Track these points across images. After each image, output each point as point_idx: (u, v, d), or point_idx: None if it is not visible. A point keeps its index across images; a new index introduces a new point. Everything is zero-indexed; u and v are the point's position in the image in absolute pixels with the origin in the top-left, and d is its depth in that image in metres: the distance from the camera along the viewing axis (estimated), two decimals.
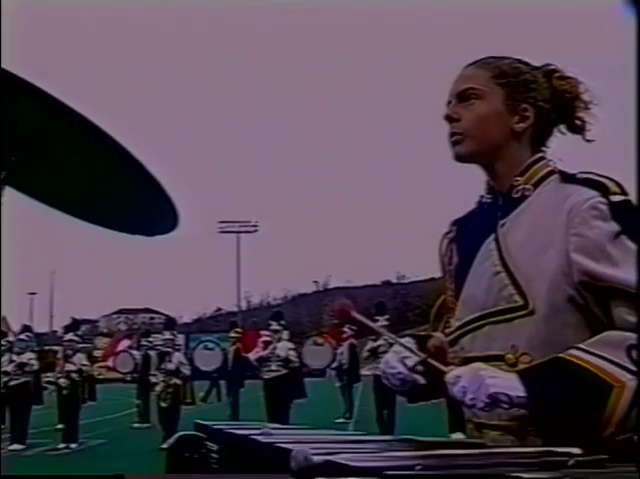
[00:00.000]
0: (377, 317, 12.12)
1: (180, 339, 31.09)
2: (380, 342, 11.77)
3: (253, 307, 73.73)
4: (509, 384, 1.45)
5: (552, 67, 1.74)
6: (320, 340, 17.65)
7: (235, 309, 60.32)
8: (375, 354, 11.91)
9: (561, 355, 1.45)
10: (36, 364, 12.86)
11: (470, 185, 1.86)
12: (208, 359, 17.36)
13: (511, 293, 1.57)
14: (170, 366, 11.95)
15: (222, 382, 18.47)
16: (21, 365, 12.41)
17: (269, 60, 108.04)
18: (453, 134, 1.69)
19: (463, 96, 1.69)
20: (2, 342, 14.36)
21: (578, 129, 1.72)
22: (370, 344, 12.32)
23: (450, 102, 1.72)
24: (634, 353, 1.39)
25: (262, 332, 12.56)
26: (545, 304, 1.53)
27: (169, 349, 12.40)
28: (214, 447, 1.86)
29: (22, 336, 13.32)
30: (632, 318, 1.44)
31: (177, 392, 11.62)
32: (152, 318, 62.57)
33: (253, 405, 12.98)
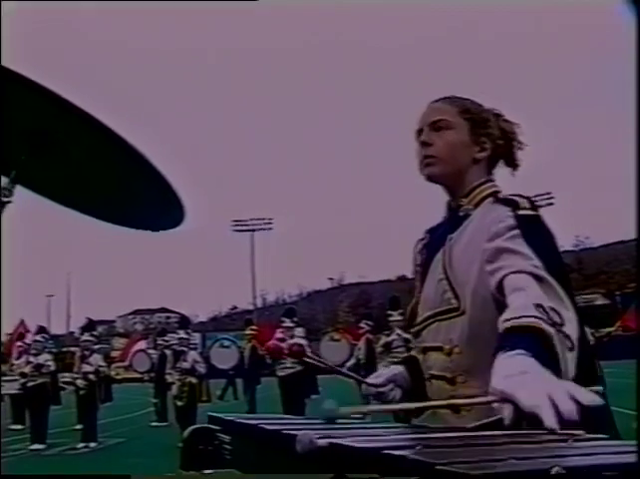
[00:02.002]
0: (390, 312, 12.18)
1: (197, 338, 31.24)
2: (393, 337, 11.81)
3: (269, 305, 73.77)
4: None
5: (498, 111, 2.03)
6: (337, 336, 17.67)
7: (251, 307, 60.50)
8: (388, 349, 11.95)
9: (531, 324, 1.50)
10: (53, 365, 12.97)
11: None
12: (224, 357, 17.44)
13: (449, 297, 1.84)
14: (186, 365, 12.01)
15: (239, 380, 18.55)
16: (38, 366, 12.53)
17: (286, 57, 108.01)
18: (426, 157, 1.94)
19: (435, 126, 1.94)
20: (19, 344, 14.52)
21: (513, 164, 2.01)
22: (384, 339, 12.37)
23: (421, 130, 1.97)
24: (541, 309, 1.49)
25: (278, 329, 12.61)
26: (470, 306, 1.78)
27: (184, 348, 12.47)
28: (227, 439, 1.89)
29: (38, 338, 13.42)
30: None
31: (193, 391, 11.67)
32: (167, 318, 62.77)
33: (270, 402, 13.01)
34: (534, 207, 1.78)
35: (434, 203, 2.09)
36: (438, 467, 0.70)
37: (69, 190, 1.09)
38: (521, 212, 1.75)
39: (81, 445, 11.61)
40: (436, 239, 2.00)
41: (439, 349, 1.88)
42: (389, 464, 0.82)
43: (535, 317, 1.47)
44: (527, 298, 1.54)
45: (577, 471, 0.67)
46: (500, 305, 1.64)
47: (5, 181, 1.20)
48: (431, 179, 1.95)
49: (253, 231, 58.16)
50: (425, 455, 0.78)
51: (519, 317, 1.48)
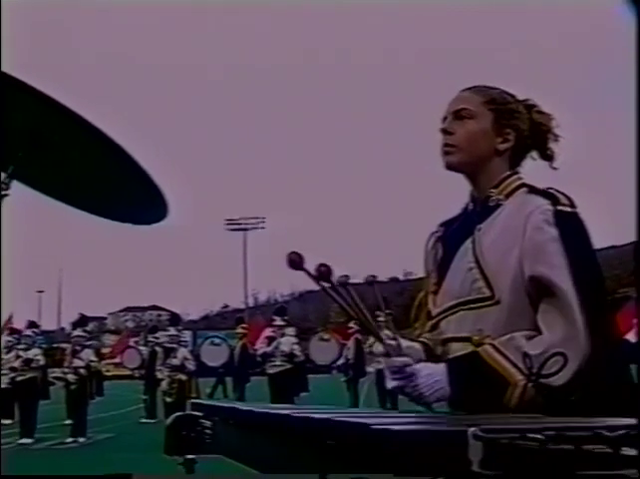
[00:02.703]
0: (378, 313, 12.28)
1: (188, 336, 31.28)
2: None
3: (260, 304, 73.83)
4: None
5: (532, 102, 2.02)
6: (326, 336, 17.73)
7: (243, 306, 60.55)
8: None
9: (478, 350, 1.75)
10: (42, 360, 13.02)
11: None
12: (215, 355, 17.50)
13: (481, 286, 1.83)
14: (175, 362, 12.11)
15: (229, 379, 18.61)
16: (27, 361, 12.58)
17: (278, 56, 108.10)
18: (446, 144, 1.95)
19: (458, 114, 1.95)
20: (9, 339, 14.55)
21: (548, 157, 2.00)
22: (372, 339, 12.47)
23: (445, 118, 1.98)
24: (526, 359, 1.65)
25: (268, 327, 12.71)
26: (508, 296, 1.78)
27: (175, 345, 12.55)
28: (208, 424, 1.99)
29: (27, 332, 13.47)
30: (541, 320, 1.73)
31: (183, 388, 11.76)
32: (159, 315, 62.71)
33: (259, 401, 13.10)
34: (573, 203, 1.80)
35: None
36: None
37: (59, 184, 1.19)
38: (560, 207, 1.78)
39: (69, 440, 11.65)
40: (455, 231, 2.00)
41: (465, 340, 1.86)
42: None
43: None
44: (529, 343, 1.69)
45: (494, 431, 0.77)
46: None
47: (3, 175, 1.29)
48: (450, 167, 1.96)
49: (246, 229, 58.27)
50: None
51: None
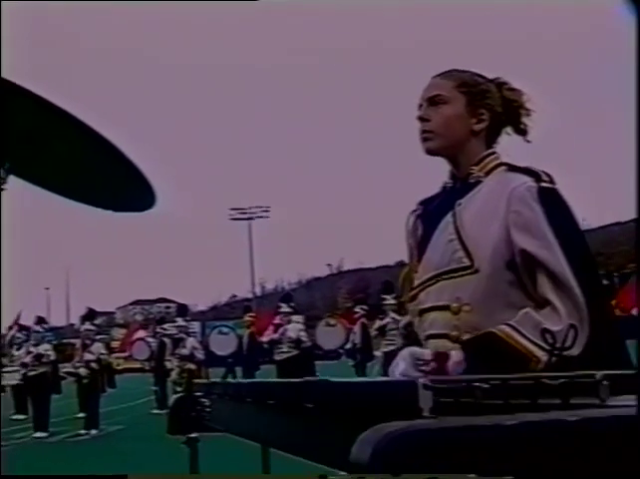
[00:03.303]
0: (384, 296, 12.38)
1: (196, 327, 31.40)
2: (387, 320, 12.01)
3: (268, 293, 73.94)
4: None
5: (502, 80, 2.09)
6: (332, 321, 17.83)
7: (250, 296, 60.73)
8: (383, 332, 12.16)
9: (494, 330, 1.79)
10: (53, 355, 13.15)
11: None
12: (223, 344, 17.61)
13: (461, 256, 1.91)
14: (184, 351, 12.26)
15: (239, 367, 18.73)
16: (38, 356, 12.70)
17: (284, 51, 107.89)
18: (424, 131, 2.03)
19: (432, 101, 2.03)
20: (19, 336, 14.69)
21: (522, 131, 2.07)
22: (378, 323, 12.57)
23: (421, 105, 2.05)
24: (546, 335, 1.73)
25: (276, 315, 12.80)
26: (487, 265, 1.86)
27: (183, 335, 12.68)
28: (207, 402, 2.09)
29: (37, 328, 13.60)
30: (551, 294, 1.79)
31: (192, 377, 11.84)
32: (167, 308, 62.88)
33: None
34: (552, 180, 1.88)
35: (431, 188, 2.19)
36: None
37: (52, 177, 1.28)
38: (543, 184, 1.86)
39: (83, 432, 11.78)
40: (435, 208, 2.07)
41: (444, 308, 1.93)
42: None
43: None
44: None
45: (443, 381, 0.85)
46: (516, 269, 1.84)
47: (1, 171, 1.38)
48: (429, 152, 2.03)
49: (251, 219, 58.38)
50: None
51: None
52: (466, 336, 1.86)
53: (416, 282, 2.07)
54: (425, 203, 2.17)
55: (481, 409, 0.85)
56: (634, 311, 17.97)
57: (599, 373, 0.94)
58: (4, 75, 1.36)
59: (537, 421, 0.76)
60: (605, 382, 0.92)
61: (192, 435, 2.32)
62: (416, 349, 1.84)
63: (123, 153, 1.27)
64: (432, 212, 2.09)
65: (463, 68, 2.10)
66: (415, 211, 2.18)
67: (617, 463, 0.82)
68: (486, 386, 0.84)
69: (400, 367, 1.82)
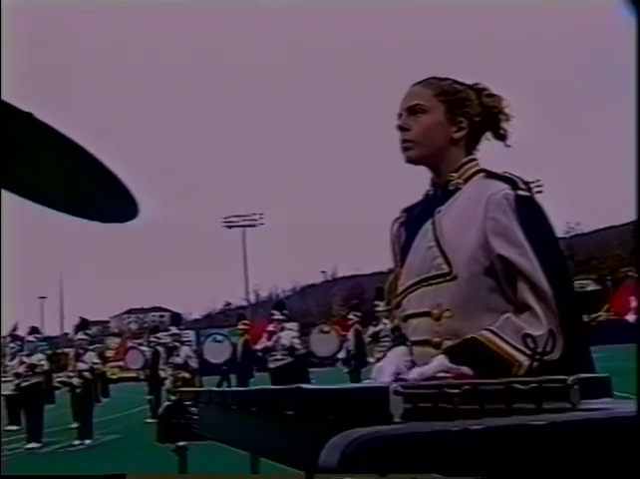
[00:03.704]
0: (377, 302, 12.41)
1: (191, 336, 31.37)
2: (380, 327, 12.03)
3: (262, 300, 73.81)
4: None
5: (482, 86, 2.11)
6: (326, 328, 17.83)
7: (244, 303, 60.67)
8: (377, 339, 12.18)
9: (476, 336, 1.82)
10: (46, 365, 13.12)
11: None
12: (217, 352, 17.61)
13: (440, 263, 1.93)
14: (178, 360, 12.25)
15: (233, 375, 18.72)
16: (31, 366, 12.68)
17: (274, 54, 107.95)
18: (404, 141, 2.04)
19: (411, 110, 2.04)
20: (12, 346, 14.65)
21: (501, 136, 2.09)
22: (371, 329, 12.59)
23: (400, 114, 2.06)
24: (528, 340, 1.72)
25: (270, 323, 12.80)
26: (465, 271, 1.89)
27: (177, 344, 12.67)
28: (196, 411, 2.10)
29: (30, 338, 13.56)
30: (531, 299, 1.82)
31: (186, 386, 11.86)
32: (161, 316, 62.75)
33: None
34: (529, 188, 1.91)
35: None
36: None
37: (37, 188, 1.31)
38: (520, 192, 1.88)
39: (77, 442, 11.76)
40: (417, 215, 2.09)
41: (425, 315, 1.95)
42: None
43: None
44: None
45: (414, 387, 0.87)
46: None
47: None
48: (410, 161, 2.05)
49: (244, 226, 58.37)
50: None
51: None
52: (447, 342, 1.88)
53: (399, 289, 2.10)
54: (408, 210, 2.19)
55: (456, 415, 0.86)
56: (628, 316, 18.01)
57: (570, 378, 0.96)
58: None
59: (504, 426, 0.78)
60: (576, 387, 0.94)
61: (181, 443, 2.35)
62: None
63: (104, 164, 1.29)
64: (414, 219, 2.12)
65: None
66: (398, 218, 2.21)
67: (586, 465, 0.84)
68: (460, 391, 0.85)
69: (389, 368, 1.95)
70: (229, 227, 58.89)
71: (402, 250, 2.13)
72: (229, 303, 78.53)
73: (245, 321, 17.97)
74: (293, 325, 12.89)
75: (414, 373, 1.76)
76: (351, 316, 15.92)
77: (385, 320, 12.00)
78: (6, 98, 1.31)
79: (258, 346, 13.25)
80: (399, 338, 2.15)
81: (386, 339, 11.71)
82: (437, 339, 1.92)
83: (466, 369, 1.71)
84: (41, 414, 12.49)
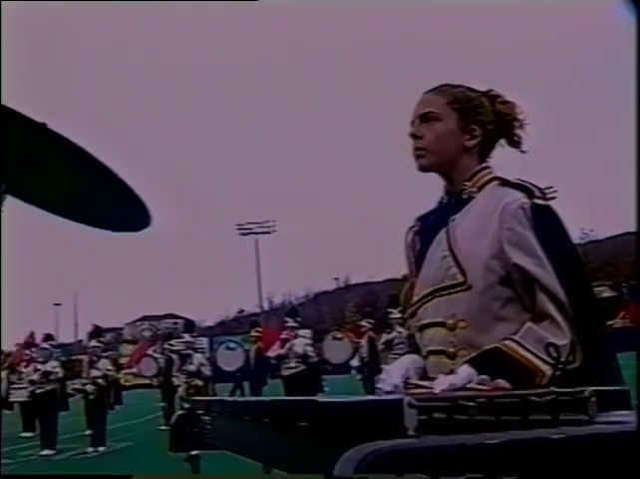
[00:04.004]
0: (390, 310, 12.37)
1: (204, 343, 31.39)
2: (394, 334, 11.99)
3: (275, 307, 73.80)
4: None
5: (495, 93, 2.09)
6: (339, 335, 17.78)
7: (258, 310, 60.72)
8: (390, 346, 12.14)
9: (499, 346, 1.80)
10: (60, 372, 13.16)
11: None
12: (230, 359, 17.61)
13: (454, 273, 1.92)
14: (192, 368, 12.25)
15: (246, 382, 18.72)
16: (46, 374, 12.72)
17: (289, 60, 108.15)
18: (417, 149, 2.03)
19: (424, 117, 2.02)
20: (27, 353, 14.73)
21: (515, 143, 2.08)
22: (385, 337, 12.55)
23: (413, 122, 2.05)
24: (550, 349, 1.74)
25: (283, 330, 12.79)
26: (481, 281, 1.87)
27: (190, 351, 12.69)
28: (208, 420, 2.09)
29: (44, 345, 13.62)
30: (551, 308, 1.80)
31: (199, 393, 11.87)
32: (175, 323, 62.91)
33: None
34: (545, 196, 1.89)
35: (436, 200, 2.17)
36: None
37: (48, 198, 1.31)
38: (536, 201, 1.87)
39: (90, 449, 11.78)
40: (431, 224, 2.08)
41: (440, 325, 1.94)
42: None
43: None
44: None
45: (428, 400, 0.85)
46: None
47: None
48: (422, 169, 2.03)
49: (257, 233, 58.44)
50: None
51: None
52: (462, 353, 1.87)
53: (414, 299, 2.09)
54: (422, 218, 2.18)
55: (472, 427, 0.85)
56: None
57: (588, 389, 0.95)
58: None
59: (520, 439, 0.77)
60: (593, 399, 0.93)
61: (194, 452, 2.34)
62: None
63: (116, 175, 1.29)
64: (428, 227, 2.11)
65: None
66: (412, 227, 2.20)
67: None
68: (475, 404, 0.84)
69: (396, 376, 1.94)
70: (243, 234, 58.94)
71: (417, 260, 2.12)
72: (242, 310, 78.58)
73: (258, 329, 17.96)
74: (306, 333, 12.90)
75: (442, 384, 1.68)
76: (364, 323, 15.89)
77: (399, 328, 11.95)
78: (6, 98, 1.31)
79: (271, 354, 13.24)
80: (413, 345, 2.13)
81: (399, 347, 11.68)
82: (451, 350, 1.91)
83: (503, 382, 1.66)
84: (55, 421, 12.52)
